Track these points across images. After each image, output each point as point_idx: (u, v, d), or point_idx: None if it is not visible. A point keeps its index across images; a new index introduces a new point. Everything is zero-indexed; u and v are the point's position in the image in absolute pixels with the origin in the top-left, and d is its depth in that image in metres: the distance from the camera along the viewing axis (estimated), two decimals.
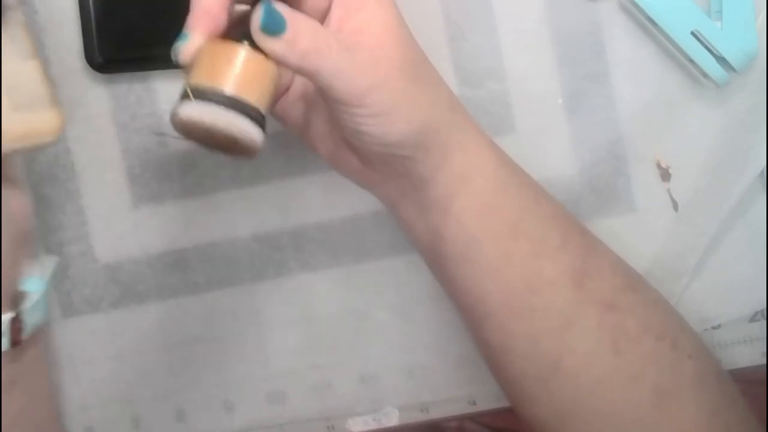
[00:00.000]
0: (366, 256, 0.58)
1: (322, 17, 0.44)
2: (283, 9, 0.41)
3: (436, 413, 0.60)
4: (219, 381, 0.59)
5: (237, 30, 0.42)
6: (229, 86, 0.40)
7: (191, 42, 0.41)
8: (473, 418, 0.60)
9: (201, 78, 0.41)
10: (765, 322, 0.58)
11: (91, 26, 0.55)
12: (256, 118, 0.41)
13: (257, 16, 0.40)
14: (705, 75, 0.54)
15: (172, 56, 0.42)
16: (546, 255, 0.47)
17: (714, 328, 0.58)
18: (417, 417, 0.60)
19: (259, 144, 0.41)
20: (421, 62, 0.45)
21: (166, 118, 0.57)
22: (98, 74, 0.56)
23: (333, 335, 0.59)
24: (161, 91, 0.56)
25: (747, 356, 0.58)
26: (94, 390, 0.59)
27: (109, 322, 0.58)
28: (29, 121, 0.39)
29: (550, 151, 0.57)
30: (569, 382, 0.47)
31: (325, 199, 0.58)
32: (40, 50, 0.56)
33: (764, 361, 0.58)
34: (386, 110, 0.43)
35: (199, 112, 0.40)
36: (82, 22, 0.55)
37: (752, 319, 0.58)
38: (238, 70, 0.41)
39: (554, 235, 0.47)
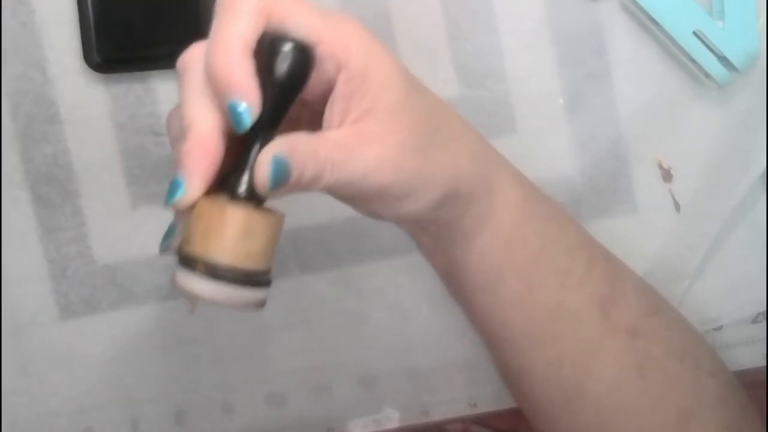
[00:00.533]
0: (365, 257, 0.58)
1: (324, 100, 0.41)
2: (282, 146, 0.37)
3: (436, 415, 0.59)
4: (218, 382, 0.59)
5: (230, 175, 0.39)
6: (237, 261, 0.38)
7: (189, 194, 0.38)
8: (478, 420, 0.60)
9: (203, 247, 0.38)
10: (766, 323, 0.57)
11: (90, 26, 0.55)
12: (265, 278, 0.39)
13: (263, 175, 0.37)
14: (707, 75, 0.54)
15: (165, 206, 0.39)
16: (571, 285, 0.46)
17: (716, 329, 0.58)
18: (417, 419, 0.59)
19: (265, 300, 0.39)
20: (439, 122, 0.42)
21: (165, 119, 0.56)
22: (97, 74, 0.56)
23: (332, 337, 0.59)
24: (160, 91, 0.56)
25: (748, 357, 0.58)
26: (92, 391, 0.59)
27: (108, 323, 0.58)
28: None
29: (551, 151, 0.56)
30: (592, 405, 0.47)
31: (324, 199, 0.57)
32: (38, 50, 0.56)
33: (764, 363, 0.58)
34: (401, 197, 0.40)
35: (207, 290, 0.38)
36: (81, 22, 0.55)
37: (754, 320, 0.58)
38: (245, 243, 0.38)
39: (579, 264, 0.47)
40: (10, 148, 0.57)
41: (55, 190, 0.57)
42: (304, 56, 0.38)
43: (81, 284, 0.58)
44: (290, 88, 0.39)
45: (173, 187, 0.38)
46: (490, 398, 0.59)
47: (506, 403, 0.58)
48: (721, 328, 0.58)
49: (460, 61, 0.56)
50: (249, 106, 0.37)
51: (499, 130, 0.56)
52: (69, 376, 0.58)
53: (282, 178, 0.37)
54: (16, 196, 0.57)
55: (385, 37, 0.55)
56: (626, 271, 0.50)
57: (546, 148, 0.56)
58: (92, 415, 0.59)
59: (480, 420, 0.60)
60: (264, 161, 0.37)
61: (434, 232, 0.45)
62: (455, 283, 0.48)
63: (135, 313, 0.58)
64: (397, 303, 0.58)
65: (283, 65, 0.38)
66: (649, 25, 0.54)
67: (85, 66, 0.55)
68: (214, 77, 0.38)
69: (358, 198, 0.40)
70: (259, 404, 0.59)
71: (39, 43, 0.56)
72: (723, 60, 0.53)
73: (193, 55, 0.39)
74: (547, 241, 0.46)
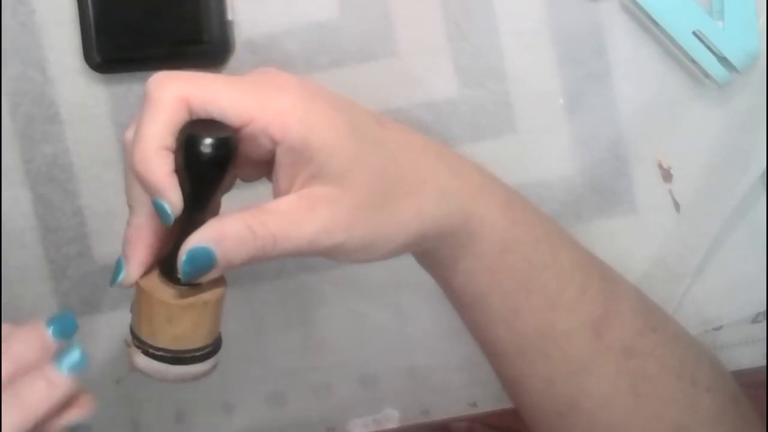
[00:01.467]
0: None
1: (267, 166, 0.41)
2: (208, 235, 0.38)
3: (436, 415, 0.59)
4: (218, 382, 0.59)
5: (167, 258, 0.40)
6: (164, 344, 0.40)
7: (128, 278, 0.41)
8: (477, 420, 0.60)
9: (145, 329, 0.40)
10: (766, 323, 0.57)
11: (90, 26, 0.55)
12: (208, 351, 0.41)
13: (179, 267, 0.38)
14: (706, 75, 0.54)
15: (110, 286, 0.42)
16: (561, 307, 0.46)
17: (715, 329, 0.58)
18: (417, 419, 0.59)
19: (210, 371, 0.42)
20: (400, 172, 0.42)
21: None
22: (97, 74, 0.56)
23: (332, 336, 0.59)
24: None
25: (748, 357, 0.58)
26: (92, 391, 0.58)
27: (108, 323, 0.58)
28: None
29: (551, 151, 0.56)
30: (586, 420, 0.47)
31: None
32: (38, 50, 0.56)
33: (764, 363, 0.58)
34: (357, 250, 0.41)
35: (150, 367, 0.41)
36: (81, 22, 0.55)
37: (754, 320, 0.57)
38: (170, 327, 0.40)
39: (571, 287, 0.46)
40: (10, 148, 0.57)
41: (55, 190, 0.57)
42: (223, 148, 0.38)
43: (81, 284, 0.58)
44: (211, 179, 0.39)
45: (116, 269, 0.41)
46: (490, 398, 0.59)
47: (506, 402, 0.58)
48: (720, 328, 0.58)
49: (460, 61, 0.56)
50: (168, 204, 0.38)
51: (499, 130, 0.56)
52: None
53: (201, 267, 0.38)
54: (16, 196, 0.57)
55: (385, 37, 0.56)
56: (623, 287, 0.49)
57: (546, 148, 0.56)
58: (92, 415, 0.59)
59: (480, 420, 0.59)
60: (180, 253, 0.38)
61: (413, 255, 0.46)
62: (446, 295, 0.48)
63: None
64: (397, 303, 0.58)
65: (199, 161, 0.38)
66: (649, 25, 0.54)
67: (85, 66, 0.55)
68: (136, 176, 0.39)
69: (312, 255, 0.40)
70: (259, 404, 0.59)
71: (39, 43, 0.56)
72: (723, 60, 0.53)
73: (130, 138, 0.40)
74: (536, 266, 0.45)
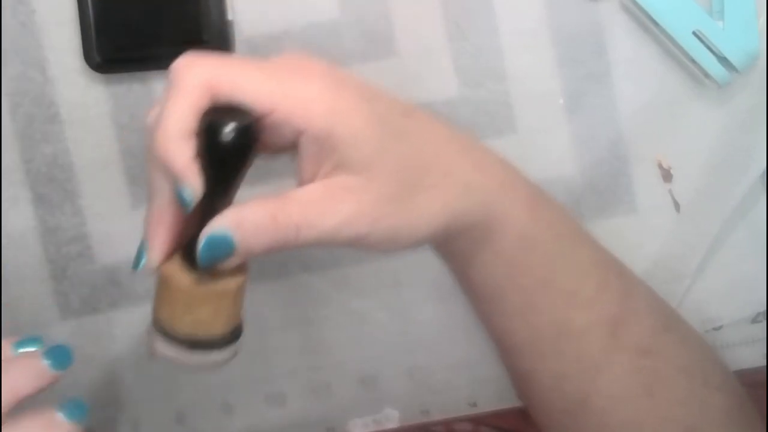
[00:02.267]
0: (366, 257, 0.58)
1: (291, 149, 0.41)
2: (226, 221, 0.38)
3: (436, 415, 0.59)
4: (218, 382, 0.59)
5: (189, 243, 0.40)
6: (185, 329, 0.40)
7: (150, 263, 0.41)
8: (483, 421, 0.60)
9: (165, 315, 0.40)
10: (766, 323, 0.57)
11: (90, 26, 0.55)
12: (227, 339, 0.41)
13: (198, 253, 0.38)
14: (706, 75, 0.54)
15: (132, 272, 0.42)
16: (578, 305, 0.45)
17: (715, 329, 0.58)
18: (417, 419, 0.59)
19: (230, 359, 0.42)
20: (425, 164, 0.41)
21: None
22: (97, 74, 0.56)
23: (332, 336, 0.59)
24: (160, 91, 0.56)
25: (748, 357, 0.58)
26: (92, 392, 0.59)
27: (108, 323, 0.58)
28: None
29: (551, 151, 0.56)
30: (597, 419, 0.47)
31: None
32: (38, 50, 0.56)
33: (764, 363, 0.58)
34: (381, 242, 0.40)
35: (169, 353, 0.41)
36: (81, 22, 0.55)
37: (754, 320, 0.58)
38: (190, 313, 0.40)
39: (589, 285, 0.46)
40: (10, 148, 0.57)
41: (55, 190, 0.57)
42: (244, 136, 0.38)
43: (81, 284, 0.58)
44: (232, 167, 0.39)
45: (138, 254, 0.41)
46: (490, 398, 0.59)
47: (506, 402, 0.58)
48: (721, 327, 0.58)
49: (460, 61, 0.56)
50: (189, 189, 0.38)
51: (499, 130, 0.56)
52: (69, 377, 0.58)
53: (220, 253, 0.38)
54: (16, 196, 0.57)
55: (385, 37, 0.56)
56: (639, 287, 0.49)
57: (546, 148, 0.56)
58: (93, 414, 0.59)
59: (481, 420, 0.59)
60: (200, 238, 0.38)
61: (431, 245, 0.45)
62: (462, 286, 0.48)
63: (135, 313, 0.58)
64: (397, 303, 0.58)
65: (220, 149, 0.38)
66: (649, 25, 0.54)
67: (85, 66, 0.55)
68: (158, 160, 0.39)
69: (336, 246, 0.40)
70: (259, 404, 0.59)
71: (39, 43, 0.56)
72: (723, 60, 0.53)
73: (152, 121, 0.40)
74: (555, 264, 0.45)
